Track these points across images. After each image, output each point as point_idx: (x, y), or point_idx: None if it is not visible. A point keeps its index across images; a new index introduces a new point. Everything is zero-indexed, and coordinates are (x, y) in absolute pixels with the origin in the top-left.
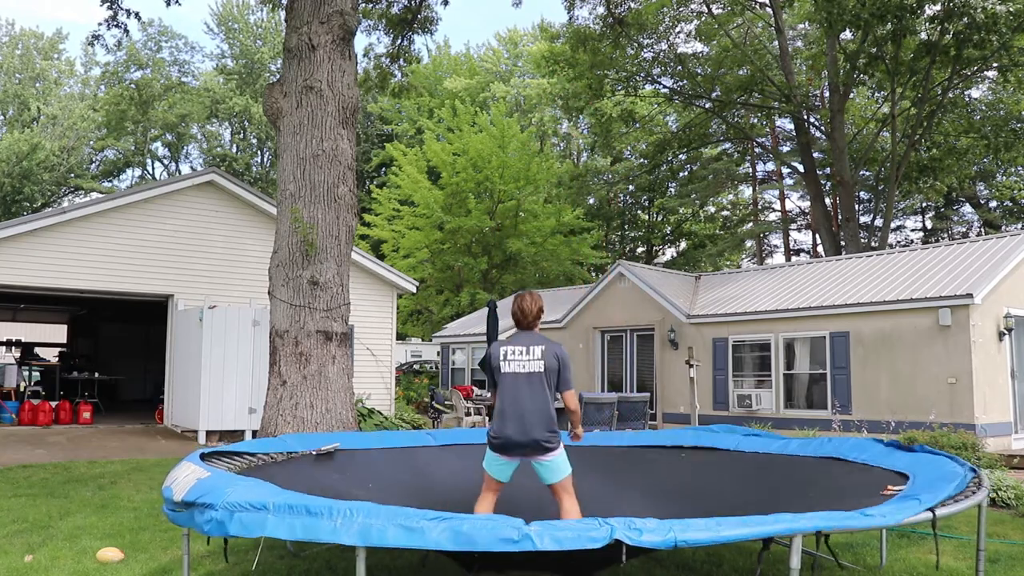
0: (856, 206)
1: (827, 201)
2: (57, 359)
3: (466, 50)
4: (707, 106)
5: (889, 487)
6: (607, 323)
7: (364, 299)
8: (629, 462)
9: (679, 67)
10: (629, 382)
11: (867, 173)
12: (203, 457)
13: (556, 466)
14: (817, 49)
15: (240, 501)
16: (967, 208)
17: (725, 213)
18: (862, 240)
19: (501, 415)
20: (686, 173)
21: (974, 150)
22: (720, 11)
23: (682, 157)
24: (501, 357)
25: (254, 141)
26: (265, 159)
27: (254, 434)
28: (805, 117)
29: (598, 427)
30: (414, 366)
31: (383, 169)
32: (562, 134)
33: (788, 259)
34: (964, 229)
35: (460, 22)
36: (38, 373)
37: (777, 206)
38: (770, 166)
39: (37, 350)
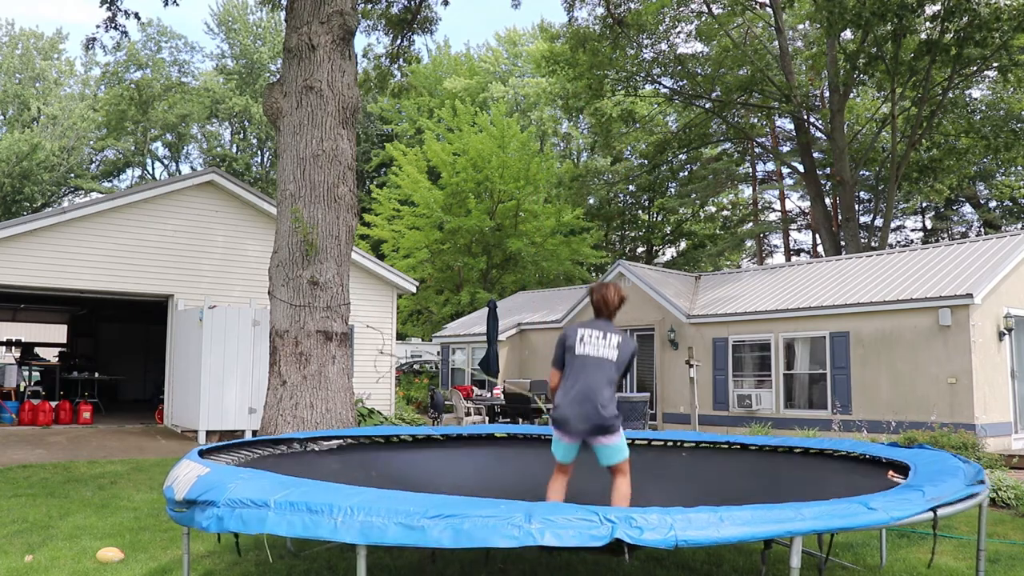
0: (856, 206)
1: (827, 201)
2: (57, 359)
3: (466, 50)
4: (707, 106)
5: (891, 473)
6: None
7: (364, 299)
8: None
9: (679, 67)
10: (629, 382)
11: (867, 173)
12: (202, 454)
13: (616, 449)
14: (817, 49)
15: (241, 498)
16: (967, 208)
17: (725, 213)
18: (862, 240)
19: (567, 394)
20: (686, 173)
21: (974, 150)
22: (720, 11)
23: (682, 157)
24: (578, 339)
25: (254, 141)
26: (265, 159)
27: (254, 434)
28: (805, 117)
29: None
30: (414, 366)
31: (383, 169)
32: (562, 134)
33: (788, 259)
34: (964, 229)
35: (460, 22)
36: (38, 373)
37: (777, 206)
38: (770, 166)
39: (37, 350)
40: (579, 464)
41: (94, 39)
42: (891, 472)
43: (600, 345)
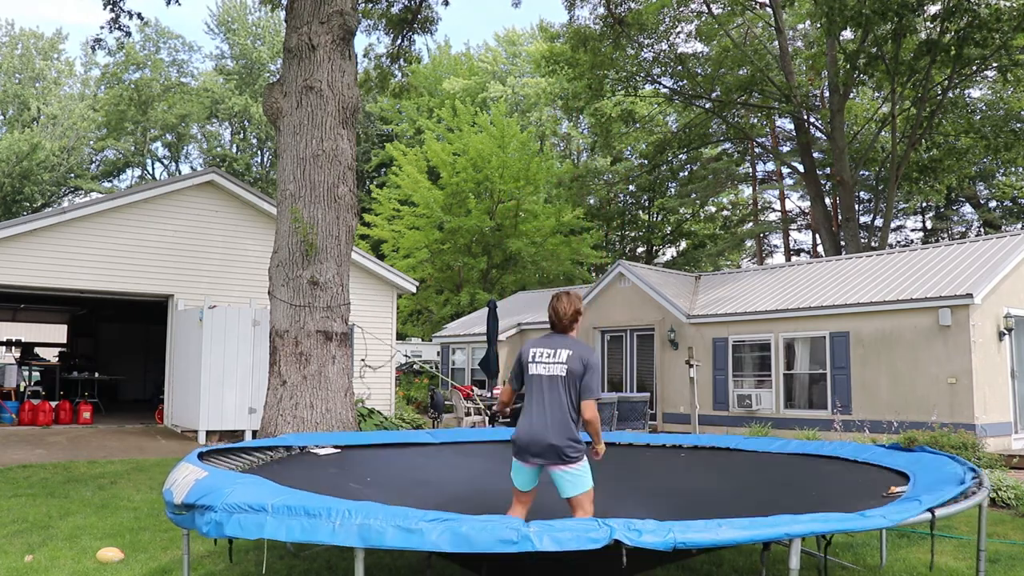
0: (856, 206)
1: (827, 201)
2: (57, 359)
3: (466, 50)
4: (707, 106)
5: (892, 488)
6: (607, 323)
7: (364, 299)
8: (632, 459)
9: (679, 67)
10: (629, 382)
11: (867, 173)
12: (201, 457)
13: (573, 479)
14: (817, 49)
15: (239, 502)
16: (967, 208)
17: (725, 213)
18: (862, 240)
19: (522, 418)
20: (686, 173)
21: (974, 150)
22: (720, 11)
23: (682, 157)
24: (530, 358)
25: (254, 141)
26: (265, 159)
27: (254, 434)
28: (805, 117)
29: None
30: (414, 366)
31: (383, 169)
32: (562, 134)
33: (788, 259)
34: (964, 229)
35: (460, 22)
36: (38, 373)
37: (777, 206)
38: (770, 166)
39: (37, 350)
40: None
41: (99, 40)
42: (892, 488)
43: (549, 363)
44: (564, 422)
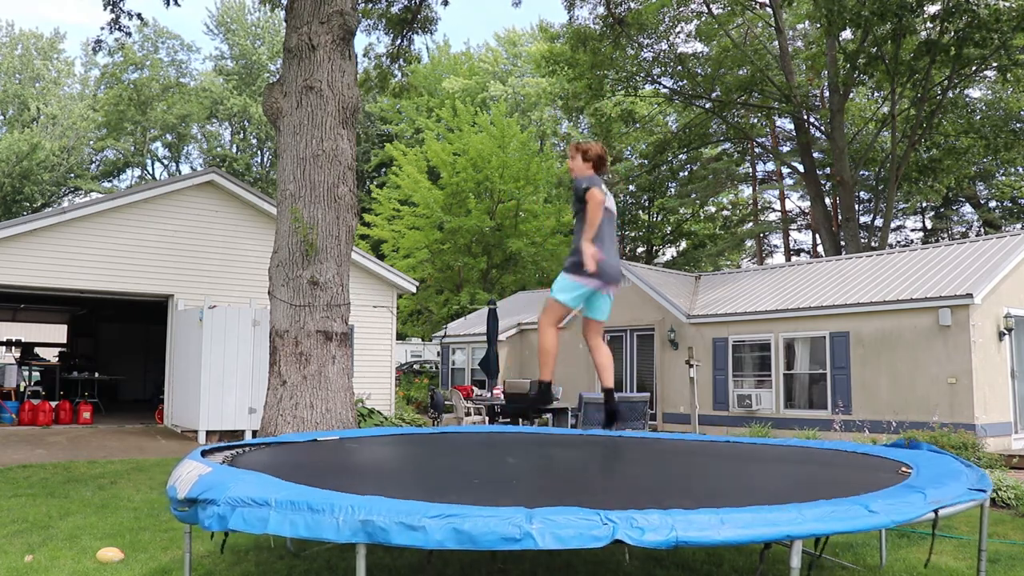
0: (856, 206)
1: (827, 201)
2: (57, 359)
3: (466, 50)
4: (707, 106)
5: (903, 468)
6: (607, 323)
7: (364, 299)
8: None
9: (679, 67)
10: (629, 382)
11: (867, 173)
12: (204, 454)
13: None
14: (817, 49)
15: (243, 496)
16: (967, 208)
17: (725, 213)
18: (862, 240)
19: (610, 248)
20: (686, 173)
21: (974, 150)
22: (720, 11)
23: (682, 157)
24: (606, 188)
25: (254, 141)
26: (265, 159)
27: (254, 434)
28: (805, 117)
29: (597, 427)
30: (414, 366)
31: (383, 169)
32: (562, 134)
33: (788, 259)
34: (964, 229)
35: (460, 22)
36: (38, 373)
37: (777, 206)
38: (770, 166)
39: (37, 350)
40: (580, 463)
41: (100, 41)
42: (903, 468)
43: (612, 200)
44: None
